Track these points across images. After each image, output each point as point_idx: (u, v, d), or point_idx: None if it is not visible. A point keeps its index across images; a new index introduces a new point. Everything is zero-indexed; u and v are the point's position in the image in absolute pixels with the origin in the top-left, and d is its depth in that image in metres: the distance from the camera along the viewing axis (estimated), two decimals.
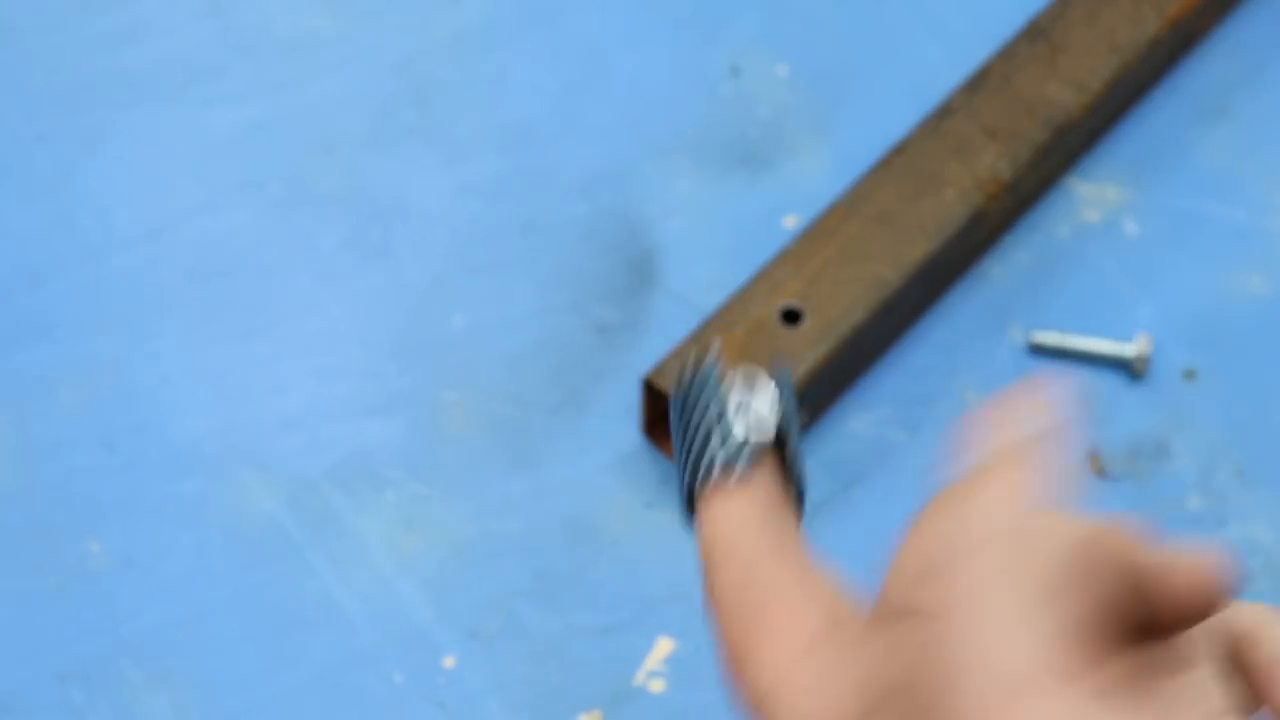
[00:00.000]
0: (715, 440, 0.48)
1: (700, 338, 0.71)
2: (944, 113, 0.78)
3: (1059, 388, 0.46)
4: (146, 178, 0.80)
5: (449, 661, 0.68)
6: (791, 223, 0.79)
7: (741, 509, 0.47)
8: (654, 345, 0.76)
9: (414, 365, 0.76)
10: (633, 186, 0.81)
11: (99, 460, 0.73)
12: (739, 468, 0.47)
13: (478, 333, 0.76)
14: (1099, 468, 0.73)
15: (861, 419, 0.75)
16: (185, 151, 0.81)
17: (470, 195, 0.80)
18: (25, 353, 0.75)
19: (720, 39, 0.85)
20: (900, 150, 0.77)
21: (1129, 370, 0.75)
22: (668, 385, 0.70)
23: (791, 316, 0.72)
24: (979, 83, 0.79)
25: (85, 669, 0.68)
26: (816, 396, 0.72)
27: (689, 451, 0.48)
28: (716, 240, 0.79)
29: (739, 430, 0.48)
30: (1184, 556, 0.41)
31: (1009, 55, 0.79)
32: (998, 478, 0.44)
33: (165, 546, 0.71)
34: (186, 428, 0.73)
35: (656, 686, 0.69)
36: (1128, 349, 0.75)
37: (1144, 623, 0.42)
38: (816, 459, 0.74)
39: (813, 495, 0.72)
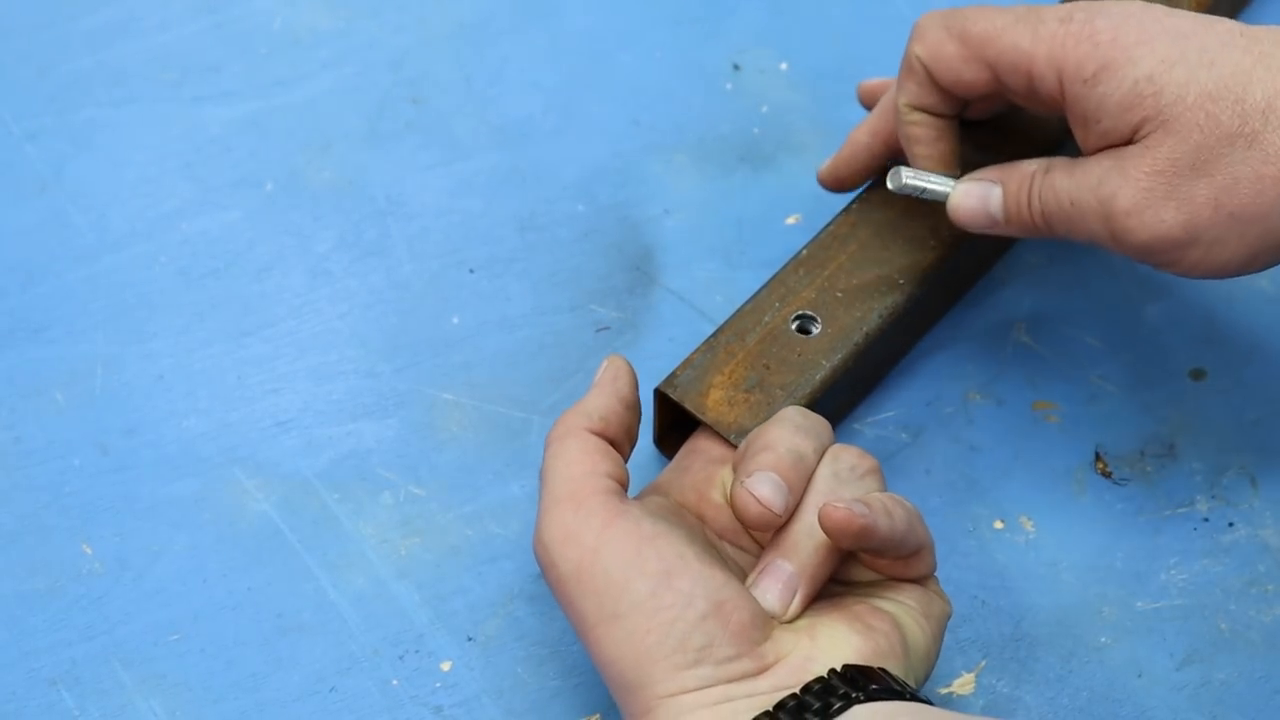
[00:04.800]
0: None
1: (713, 346, 0.70)
2: None
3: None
4: (140, 176, 0.80)
5: (446, 665, 0.68)
6: (793, 221, 0.79)
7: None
8: (654, 345, 0.76)
9: (411, 365, 0.75)
10: (632, 184, 0.80)
11: (92, 462, 0.72)
12: None
13: (475, 332, 0.76)
14: (1105, 469, 0.73)
15: (864, 421, 0.74)
16: (179, 149, 0.81)
17: (468, 193, 0.80)
18: (17, 353, 0.75)
19: (721, 35, 0.85)
20: None
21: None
22: (681, 396, 0.69)
23: (805, 325, 0.71)
24: None
25: (77, 673, 0.67)
26: (832, 405, 0.71)
27: None
28: (717, 239, 0.79)
29: None
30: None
31: None
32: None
33: (159, 549, 0.70)
34: (180, 429, 0.73)
35: None
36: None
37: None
38: None
39: None
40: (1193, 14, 0.64)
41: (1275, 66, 0.62)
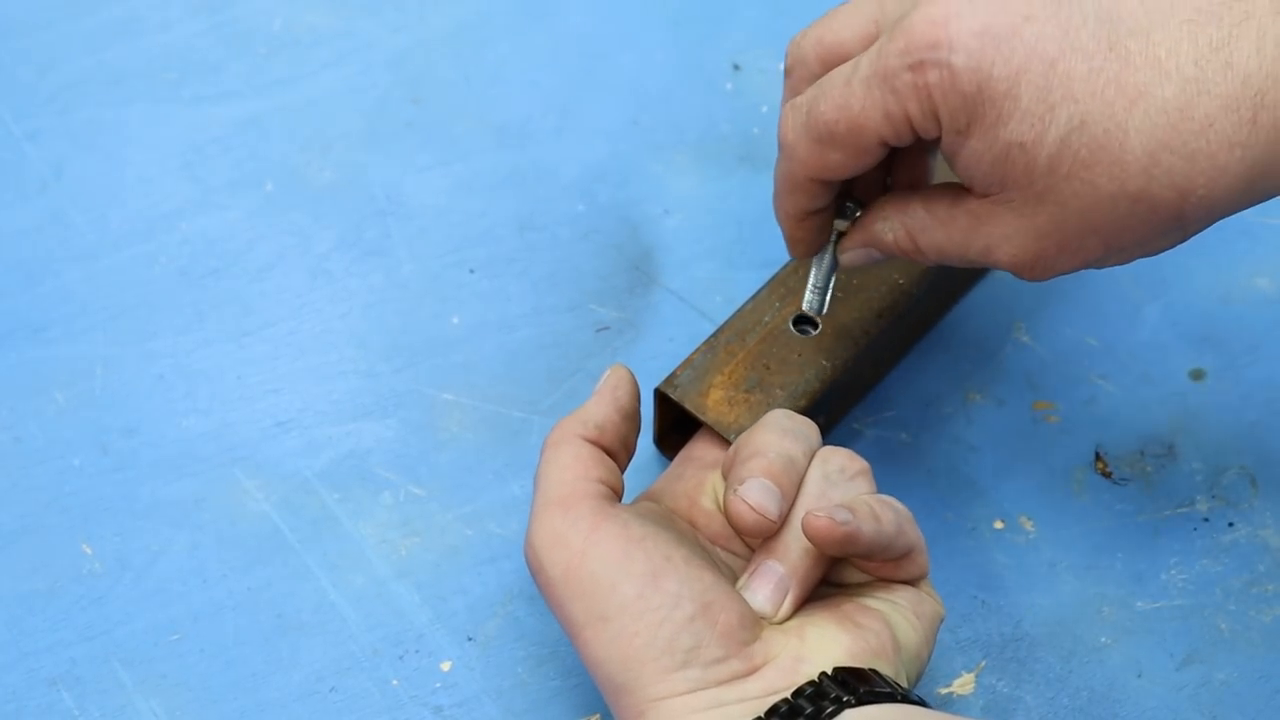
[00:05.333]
0: None
1: (713, 346, 0.70)
2: None
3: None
4: (140, 175, 0.80)
5: (446, 665, 0.68)
6: None
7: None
8: (654, 345, 0.75)
9: (410, 365, 0.75)
10: (632, 185, 0.80)
11: (92, 462, 0.72)
12: None
13: (475, 333, 0.76)
14: (1105, 469, 0.73)
15: (864, 420, 0.74)
16: (179, 149, 0.81)
17: (468, 193, 0.80)
18: (17, 353, 0.75)
19: (721, 35, 0.85)
20: None
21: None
22: (681, 396, 0.69)
23: (805, 324, 0.71)
24: None
25: (77, 673, 0.67)
26: (832, 405, 0.71)
27: None
28: (717, 239, 0.79)
29: None
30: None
31: None
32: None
33: (159, 549, 0.70)
34: (180, 429, 0.73)
35: None
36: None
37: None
38: None
39: None
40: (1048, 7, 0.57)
41: (1153, 107, 0.56)
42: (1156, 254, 0.60)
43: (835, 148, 0.60)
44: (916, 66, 0.57)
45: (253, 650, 0.68)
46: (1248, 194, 0.58)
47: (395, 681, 0.68)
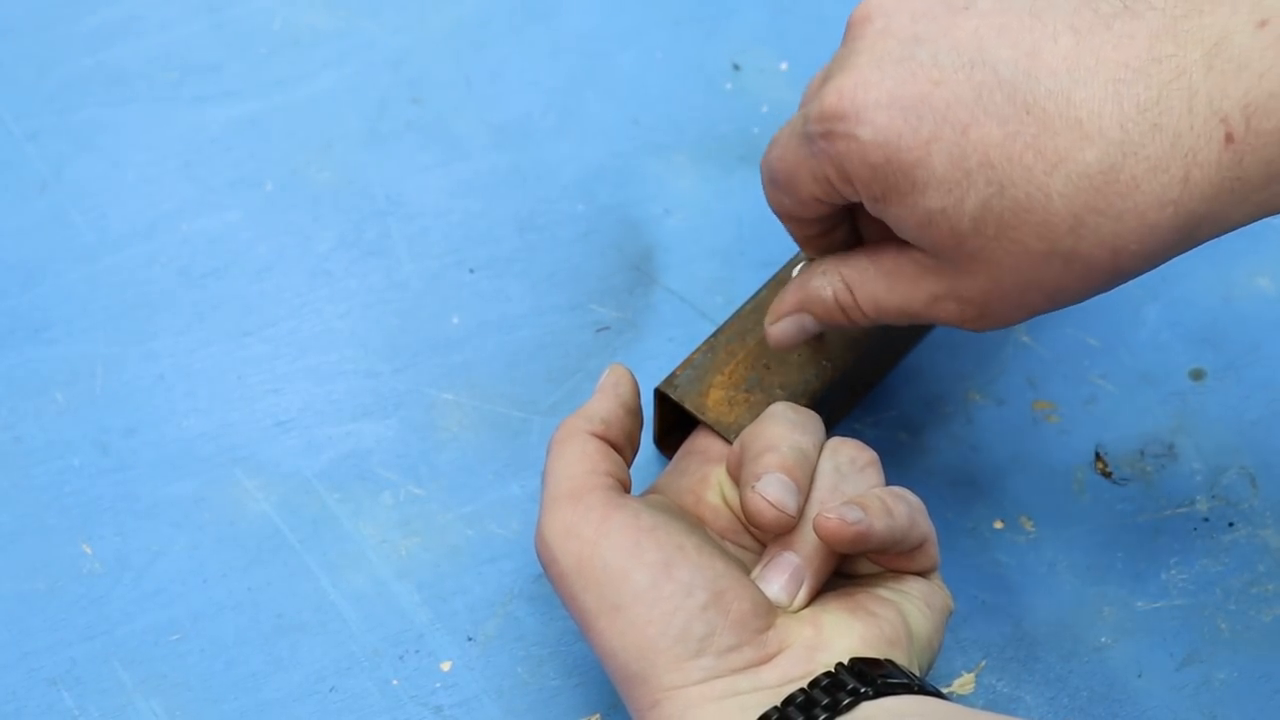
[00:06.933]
0: None
1: (713, 346, 0.70)
2: None
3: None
4: (140, 176, 0.80)
5: (446, 665, 0.68)
6: None
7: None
8: (653, 345, 0.76)
9: (410, 365, 0.75)
10: (632, 184, 0.80)
11: (92, 461, 0.72)
12: None
13: (475, 332, 0.76)
14: (1105, 469, 0.73)
15: (864, 420, 0.74)
16: (179, 149, 0.81)
17: (468, 193, 0.80)
18: (17, 353, 0.75)
19: (721, 35, 0.85)
20: None
21: None
22: (681, 396, 0.69)
23: None
24: None
25: (77, 673, 0.67)
26: (832, 405, 0.71)
27: None
28: (717, 239, 0.79)
29: None
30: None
31: None
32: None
33: (159, 549, 0.70)
34: (180, 429, 0.73)
35: None
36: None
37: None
38: None
39: None
40: (952, 56, 0.56)
41: (1075, 171, 0.55)
42: (1107, 292, 0.60)
43: (780, 191, 0.62)
44: (827, 136, 0.58)
45: (253, 650, 0.68)
46: (1187, 242, 0.57)
47: (395, 681, 0.68)
